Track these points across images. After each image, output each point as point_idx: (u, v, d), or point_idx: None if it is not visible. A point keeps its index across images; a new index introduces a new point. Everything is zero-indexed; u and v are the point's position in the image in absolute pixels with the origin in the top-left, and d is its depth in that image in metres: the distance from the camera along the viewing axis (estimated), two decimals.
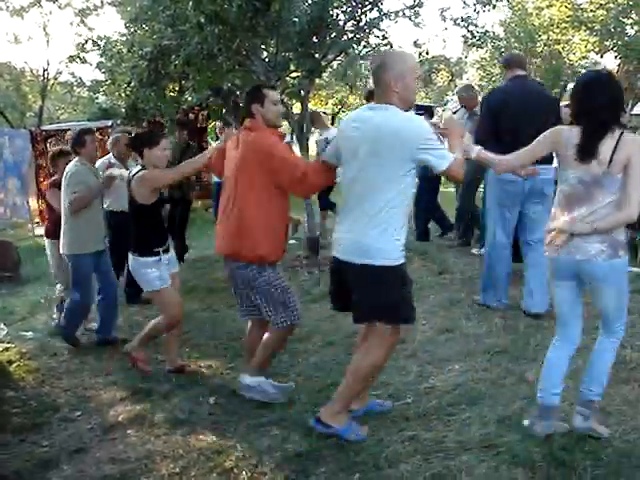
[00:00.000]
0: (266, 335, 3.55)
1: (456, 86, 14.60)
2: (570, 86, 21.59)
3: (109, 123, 11.22)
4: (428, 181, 7.03)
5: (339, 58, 7.51)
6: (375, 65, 3.01)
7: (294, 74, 7.08)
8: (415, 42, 7.29)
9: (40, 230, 9.57)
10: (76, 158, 4.73)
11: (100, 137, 9.26)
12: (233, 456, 3.07)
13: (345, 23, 6.75)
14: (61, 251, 4.76)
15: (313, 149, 8.81)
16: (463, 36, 7.53)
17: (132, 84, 7.04)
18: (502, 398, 3.47)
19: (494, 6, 7.33)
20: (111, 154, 5.69)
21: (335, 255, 3.11)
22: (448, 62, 19.39)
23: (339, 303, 3.26)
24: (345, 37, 6.83)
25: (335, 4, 6.58)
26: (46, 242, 5.33)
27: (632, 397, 3.39)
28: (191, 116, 10.82)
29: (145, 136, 4.08)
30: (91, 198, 4.64)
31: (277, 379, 3.74)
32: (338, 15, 6.72)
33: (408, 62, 2.99)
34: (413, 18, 7.04)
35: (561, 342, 3.09)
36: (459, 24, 7.38)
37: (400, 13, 6.95)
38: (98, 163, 5.29)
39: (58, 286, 5.40)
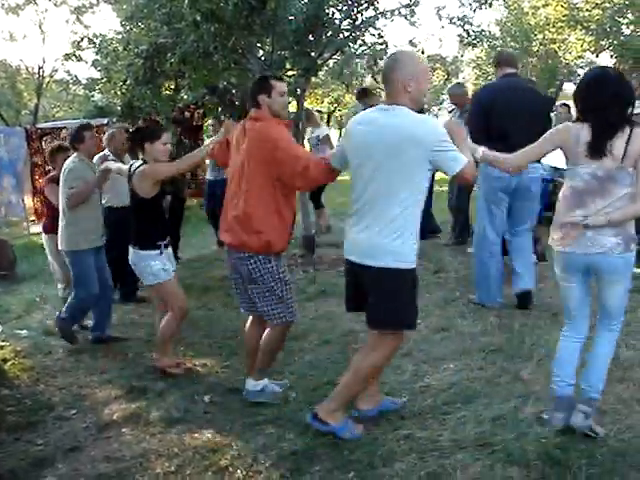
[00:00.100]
0: (265, 335, 3.52)
1: None
2: (566, 85, 21.68)
3: (105, 121, 11.17)
4: None
5: (335, 57, 7.49)
6: (386, 64, 2.98)
7: (290, 72, 7.06)
8: (411, 41, 7.21)
9: (35, 228, 9.57)
10: (75, 154, 4.73)
11: (96, 135, 9.21)
12: (228, 454, 3.07)
13: (341, 22, 6.74)
14: (59, 247, 4.75)
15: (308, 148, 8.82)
16: (459, 35, 7.52)
17: (128, 82, 7.00)
18: (497, 397, 3.48)
19: (490, 4, 7.33)
20: (107, 150, 5.68)
21: (349, 258, 3.07)
22: (444, 61, 19.43)
23: (353, 304, 3.21)
24: (341, 36, 6.82)
25: (331, 3, 6.57)
26: (44, 238, 5.32)
27: (627, 396, 3.40)
28: (187, 114, 10.76)
29: (146, 130, 4.11)
30: (88, 193, 4.62)
31: (272, 377, 3.74)
32: (334, 13, 6.71)
33: (421, 63, 2.98)
34: (409, 17, 7.02)
35: (570, 332, 3.10)
36: (455, 23, 7.38)
37: (396, 12, 6.93)
38: (95, 159, 5.28)
39: (59, 285, 5.38)
